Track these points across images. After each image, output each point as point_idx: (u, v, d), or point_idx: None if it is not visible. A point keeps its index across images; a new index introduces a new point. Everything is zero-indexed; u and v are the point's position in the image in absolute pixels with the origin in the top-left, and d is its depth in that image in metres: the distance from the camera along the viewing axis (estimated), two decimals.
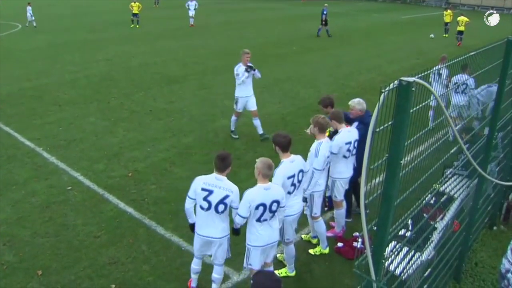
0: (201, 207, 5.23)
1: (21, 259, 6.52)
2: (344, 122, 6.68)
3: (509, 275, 4.19)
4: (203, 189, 5.17)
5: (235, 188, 5.22)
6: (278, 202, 5.16)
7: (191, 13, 31.37)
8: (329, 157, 6.30)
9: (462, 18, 26.51)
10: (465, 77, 5.79)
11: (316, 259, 6.63)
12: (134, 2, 30.06)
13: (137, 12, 30.13)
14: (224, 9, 44.96)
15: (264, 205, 5.07)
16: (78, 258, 6.58)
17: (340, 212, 7.03)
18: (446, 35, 28.42)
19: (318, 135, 6.22)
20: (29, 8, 29.48)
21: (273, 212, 5.19)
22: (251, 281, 3.54)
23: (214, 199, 5.15)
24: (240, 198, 5.17)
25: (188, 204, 5.36)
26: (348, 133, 6.54)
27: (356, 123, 6.93)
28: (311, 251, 6.76)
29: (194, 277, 5.88)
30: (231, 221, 5.37)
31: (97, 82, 16.27)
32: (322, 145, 6.13)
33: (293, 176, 5.60)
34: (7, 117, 12.30)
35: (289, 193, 5.61)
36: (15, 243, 6.89)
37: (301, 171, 5.72)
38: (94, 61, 19.65)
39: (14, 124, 11.79)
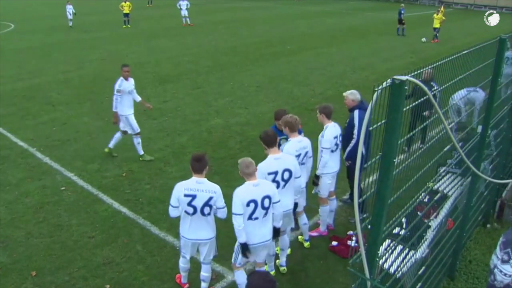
0: (187, 212, 5.21)
1: (15, 260, 6.49)
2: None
3: (495, 270, 4.22)
4: (186, 195, 5.13)
5: (217, 188, 5.23)
6: (269, 197, 5.12)
7: (184, 12, 31.40)
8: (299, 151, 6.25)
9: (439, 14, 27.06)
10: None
11: (311, 258, 6.64)
12: (125, 2, 29.91)
13: (128, 12, 29.99)
14: (217, 8, 44.89)
15: (255, 201, 5.04)
16: (72, 258, 6.56)
17: (324, 209, 7.00)
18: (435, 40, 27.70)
19: (289, 134, 6.24)
20: (69, 7, 29.18)
21: (266, 209, 5.14)
22: (246, 282, 3.54)
23: (198, 203, 5.13)
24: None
25: (173, 213, 5.31)
26: (335, 128, 6.64)
27: (357, 111, 7.02)
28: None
29: (184, 274, 5.90)
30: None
31: (91, 82, 16.21)
32: (288, 144, 6.16)
33: (275, 173, 5.58)
34: (0, 117, 12.23)
35: None
36: (9, 244, 6.86)
37: (288, 170, 5.67)
38: (87, 61, 19.57)
39: (7, 124, 11.73)
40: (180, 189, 5.17)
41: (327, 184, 6.82)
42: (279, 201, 5.25)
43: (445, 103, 4.85)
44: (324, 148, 6.50)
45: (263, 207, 5.11)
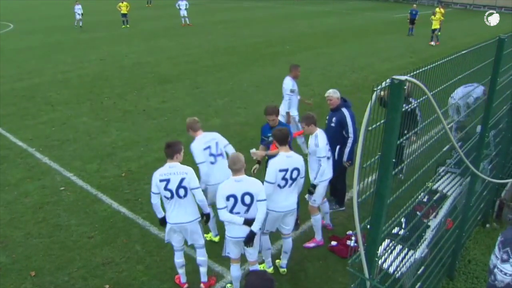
0: (166, 197, 5.39)
1: (14, 260, 6.49)
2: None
3: (495, 270, 4.22)
4: (161, 180, 5.33)
5: (189, 169, 5.39)
6: (251, 195, 5.12)
7: (182, 13, 31.39)
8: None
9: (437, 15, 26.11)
10: None
11: (310, 258, 6.63)
12: (122, 2, 29.84)
13: (125, 12, 29.94)
14: (217, 8, 44.89)
15: (234, 196, 5.11)
16: (71, 258, 6.56)
17: (317, 218, 6.78)
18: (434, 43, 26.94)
19: (193, 134, 6.54)
20: (77, 7, 29.11)
21: (247, 206, 5.16)
22: (244, 281, 3.54)
23: (173, 185, 5.31)
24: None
25: (154, 199, 5.47)
26: (322, 134, 6.48)
27: (345, 109, 7.04)
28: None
29: (181, 271, 5.93)
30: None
31: (90, 82, 16.20)
32: (194, 142, 6.43)
33: (286, 170, 5.59)
34: None
35: (279, 186, 5.61)
36: (8, 244, 6.85)
37: (297, 169, 5.68)
38: (87, 61, 19.57)
39: (6, 124, 11.73)
40: (156, 176, 5.38)
41: (322, 192, 6.71)
42: (264, 200, 5.19)
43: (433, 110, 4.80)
44: (321, 157, 6.34)
45: (243, 203, 5.15)
